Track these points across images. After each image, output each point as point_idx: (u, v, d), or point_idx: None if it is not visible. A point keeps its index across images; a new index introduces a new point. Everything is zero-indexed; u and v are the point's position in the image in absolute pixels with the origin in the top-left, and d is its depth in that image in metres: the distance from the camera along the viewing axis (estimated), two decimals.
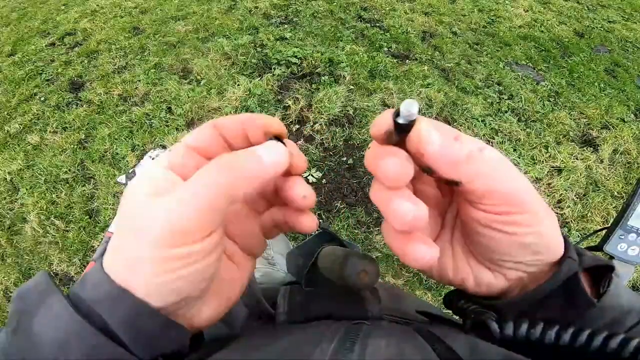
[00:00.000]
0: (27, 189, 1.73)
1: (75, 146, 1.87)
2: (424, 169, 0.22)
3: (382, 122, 0.21)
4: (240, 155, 0.22)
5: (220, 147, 0.24)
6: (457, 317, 0.32)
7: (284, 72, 2.07)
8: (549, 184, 1.77)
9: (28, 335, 0.19)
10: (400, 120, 0.21)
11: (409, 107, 0.20)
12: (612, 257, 0.52)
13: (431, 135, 0.20)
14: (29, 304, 0.20)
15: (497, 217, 0.22)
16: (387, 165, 0.21)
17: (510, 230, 0.22)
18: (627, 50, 2.63)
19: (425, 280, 1.50)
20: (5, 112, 2.08)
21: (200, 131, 0.24)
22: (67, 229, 1.63)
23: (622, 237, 0.51)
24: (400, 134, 0.21)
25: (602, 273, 0.25)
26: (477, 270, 0.26)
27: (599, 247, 0.53)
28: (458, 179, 0.21)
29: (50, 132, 1.94)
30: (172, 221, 0.19)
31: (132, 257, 0.20)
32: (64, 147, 1.86)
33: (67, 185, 1.74)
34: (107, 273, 0.20)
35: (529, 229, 0.22)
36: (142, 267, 0.19)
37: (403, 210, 0.21)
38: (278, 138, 0.25)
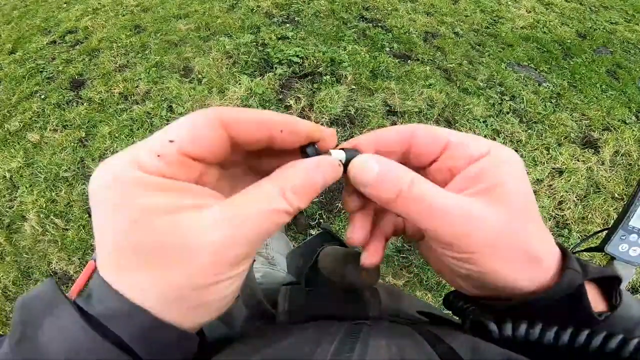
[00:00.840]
0: (26, 187, 1.73)
1: (76, 144, 1.86)
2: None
3: None
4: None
5: (226, 153, 0.21)
6: (457, 318, 0.32)
7: (286, 71, 2.07)
8: (550, 185, 1.76)
9: (35, 346, 0.18)
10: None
11: (335, 156, 0.23)
12: (613, 258, 0.52)
13: (358, 178, 0.23)
14: (34, 314, 0.19)
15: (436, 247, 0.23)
16: (343, 195, 0.27)
17: (447, 261, 0.23)
18: (629, 52, 2.62)
19: (426, 281, 1.50)
20: (6, 110, 2.07)
21: (199, 131, 0.19)
22: (67, 227, 1.63)
23: (624, 237, 0.51)
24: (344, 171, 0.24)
25: (609, 284, 0.25)
26: (450, 272, 0.27)
27: (600, 248, 0.53)
28: (395, 213, 0.23)
29: (50, 130, 1.94)
30: (226, 246, 0.18)
31: (171, 287, 0.18)
32: (64, 145, 1.86)
33: (67, 183, 1.74)
34: (115, 290, 0.18)
35: (463, 265, 0.22)
36: (183, 296, 0.18)
37: (348, 231, 0.27)
38: (309, 144, 0.23)
